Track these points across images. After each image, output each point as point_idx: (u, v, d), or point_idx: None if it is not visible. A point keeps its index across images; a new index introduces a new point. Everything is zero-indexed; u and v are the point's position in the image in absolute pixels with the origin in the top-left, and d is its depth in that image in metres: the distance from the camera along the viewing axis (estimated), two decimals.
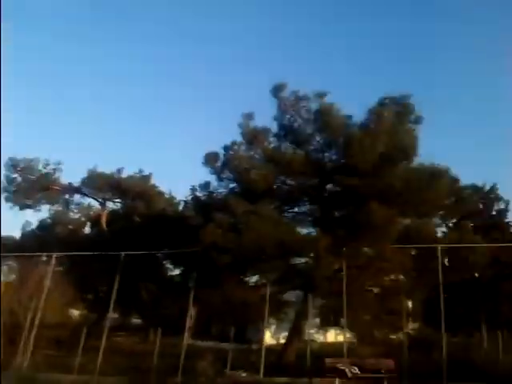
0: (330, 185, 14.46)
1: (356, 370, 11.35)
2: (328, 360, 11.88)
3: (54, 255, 14.25)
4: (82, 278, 15.35)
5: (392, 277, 14.62)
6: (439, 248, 12.54)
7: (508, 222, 22.08)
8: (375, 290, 14.75)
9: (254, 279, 15.97)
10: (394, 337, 14.61)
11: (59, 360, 12.97)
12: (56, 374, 11.35)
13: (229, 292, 14.16)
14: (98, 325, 18.39)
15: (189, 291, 13.80)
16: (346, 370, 11.30)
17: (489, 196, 21.89)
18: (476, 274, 18.03)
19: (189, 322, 14.79)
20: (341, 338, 13.90)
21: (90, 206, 24.47)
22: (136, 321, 27.63)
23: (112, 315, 15.52)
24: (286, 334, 15.50)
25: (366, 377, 11.14)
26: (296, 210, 15.96)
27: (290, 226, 13.76)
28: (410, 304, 16.18)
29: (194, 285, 13.62)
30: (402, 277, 14.63)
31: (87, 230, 24.31)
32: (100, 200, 23.78)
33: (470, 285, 18.26)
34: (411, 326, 14.14)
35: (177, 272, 19.61)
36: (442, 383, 10.76)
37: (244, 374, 12.26)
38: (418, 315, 15.02)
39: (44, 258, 16.57)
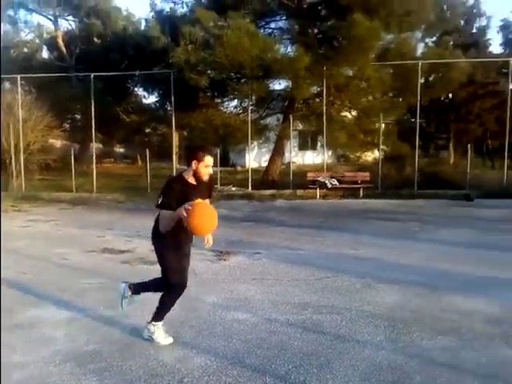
0: None
1: (335, 181, 12.58)
2: (310, 174, 13.03)
3: (19, 77, 13.37)
4: (54, 105, 14.47)
5: (369, 97, 14.76)
6: (420, 64, 12.40)
7: (488, 40, 21.23)
8: (353, 112, 15.12)
9: (233, 104, 15.90)
10: (369, 155, 15.70)
11: (54, 183, 13.32)
12: (55, 193, 11.80)
13: (209, 116, 14.20)
14: (83, 154, 18.53)
15: (169, 117, 13.69)
16: (327, 182, 12.51)
17: (471, 11, 20.38)
18: (450, 95, 18.42)
19: (175, 147, 15.13)
20: (318, 161, 14.81)
21: (40, 25, 21.65)
22: (119, 150, 28.22)
23: (95, 145, 15.53)
24: (266, 158, 16.44)
25: (345, 187, 12.45)
26: (273, 25, 15.06)
27: (268, 41, 12.94)
28: (382, 125, 16.82)
29: (173, 109, 13.43)
30: (379, 97, 14.78)
31: (45, 54, 21.99)
32: (51, 18, 21.20)
33: (443, 104, 18.89)
34: (386, 144, 14.94)
35: (152, 99, 18.97)
36: (412, 190, 12.12)
37: (234, 188, 13.36)
38: (393, 134, 15.76)
39: (8, 85, 15.37)
